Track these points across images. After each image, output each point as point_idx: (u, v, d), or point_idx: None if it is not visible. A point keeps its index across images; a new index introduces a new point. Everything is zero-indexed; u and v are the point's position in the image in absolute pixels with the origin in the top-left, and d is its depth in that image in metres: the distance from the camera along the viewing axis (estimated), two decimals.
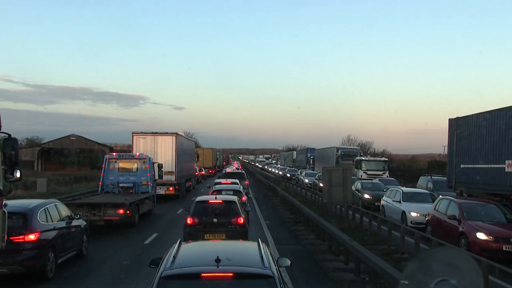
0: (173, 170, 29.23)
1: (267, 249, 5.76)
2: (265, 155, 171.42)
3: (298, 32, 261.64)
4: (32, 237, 10.25)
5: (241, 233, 12.57)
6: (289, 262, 6.77)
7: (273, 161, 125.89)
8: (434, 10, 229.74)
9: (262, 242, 6.04)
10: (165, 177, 27.33)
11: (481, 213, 14.81)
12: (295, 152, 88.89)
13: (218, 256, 4.90)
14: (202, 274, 4.80)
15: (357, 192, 26.84)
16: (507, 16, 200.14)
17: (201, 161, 53.90)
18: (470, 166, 18.97)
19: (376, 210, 22.10)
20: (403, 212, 19.30)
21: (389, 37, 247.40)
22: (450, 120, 20.98)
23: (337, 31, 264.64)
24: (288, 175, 55.91)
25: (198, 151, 49.02)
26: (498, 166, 16.59)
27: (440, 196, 17.73)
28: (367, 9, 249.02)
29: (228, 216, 12.93)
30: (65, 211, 12.54)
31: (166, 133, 30.10)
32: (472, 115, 19.13)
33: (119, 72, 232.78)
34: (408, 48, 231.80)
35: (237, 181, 24.52)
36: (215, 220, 12.77)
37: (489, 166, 17.25)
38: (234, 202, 13.58)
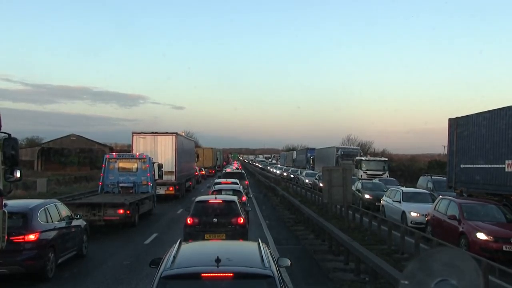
0: (173, 170, 29.23)
1: (267, 249, 5.76)
2: (265, 155, 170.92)
3: (298, 32, 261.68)
4: (32, 237, 10.25)
5: (241, 233, 12.57)
6: (289, 262, 6.77)
7: (274, 161, 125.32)
8: (434, 10, 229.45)
9: (262, 242, 6.04)
10: (165, 177, 27.34)
11: (481, 213, 14.81)
12: (295, 152, 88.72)
13: (218, 256, 4.90)
14: (202, 274, 4.80)
15: (357, 192, 26.82)
16: (507, 15, 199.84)
17: (201, 161, 53.88)
18: (470, 166, 18.97)
19: (376, 211, 22.08)
20: (403, 212, 19.29)
21: (389, 37, 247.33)
22: (450, 119, 20.96)
23: (337, 31, 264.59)
24: (292, 176, 55.40)
25: (198, 151, 49.01)
26: (498, 166, 16.59)
27: (440, 196, 17.72)
28: (367, 9, 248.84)
29: (228, 216, 12.93)
30: (65, 211, 12.55)
31: (166, 133, 30.09)
32: (472, 114, 19.11)
33: (119, 71, 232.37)
34: (408, 47, 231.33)
35: (237, 181, 24.49)
36: (215, 220, 12.77)
37: (489, 166, 17.24)
38: (234, 202, 13.58)
